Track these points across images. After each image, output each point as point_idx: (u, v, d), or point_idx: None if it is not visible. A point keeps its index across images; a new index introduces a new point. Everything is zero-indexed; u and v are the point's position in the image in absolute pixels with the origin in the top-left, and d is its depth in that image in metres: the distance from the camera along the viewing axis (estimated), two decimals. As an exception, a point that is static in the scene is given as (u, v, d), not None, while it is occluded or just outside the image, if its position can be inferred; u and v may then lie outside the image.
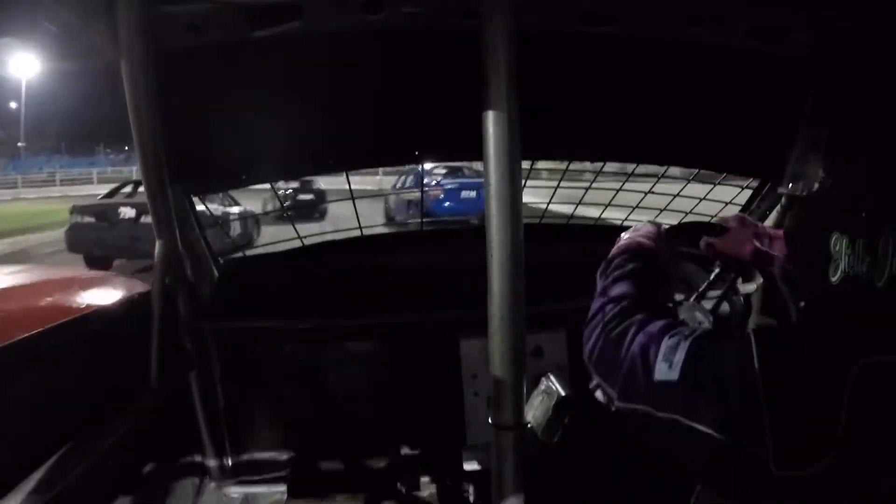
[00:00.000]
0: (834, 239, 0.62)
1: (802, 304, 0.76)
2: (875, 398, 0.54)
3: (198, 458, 1.69)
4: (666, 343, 0.69)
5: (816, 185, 0.66)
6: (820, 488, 0.54)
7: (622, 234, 1.02)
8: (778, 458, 0.56)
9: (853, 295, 0.61)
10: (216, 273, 1.73)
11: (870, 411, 0.54)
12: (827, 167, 0.65)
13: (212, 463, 1.71)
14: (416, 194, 10.47)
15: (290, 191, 12.95)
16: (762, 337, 0.62)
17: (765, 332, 0.63)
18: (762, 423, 0.57)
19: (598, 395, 0.80)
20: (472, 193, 10.29)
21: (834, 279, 0.62)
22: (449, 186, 10.42)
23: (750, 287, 1.37)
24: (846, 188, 0.63)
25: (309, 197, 12.88)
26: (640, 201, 2.08)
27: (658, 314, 0.77)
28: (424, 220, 2.10)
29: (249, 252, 1.91)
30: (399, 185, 11.72)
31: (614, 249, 0.96)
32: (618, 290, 0.84)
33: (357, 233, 1.97)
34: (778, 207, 1.75)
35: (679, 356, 0.67)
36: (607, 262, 0.93)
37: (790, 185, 0.70)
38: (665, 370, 0.67)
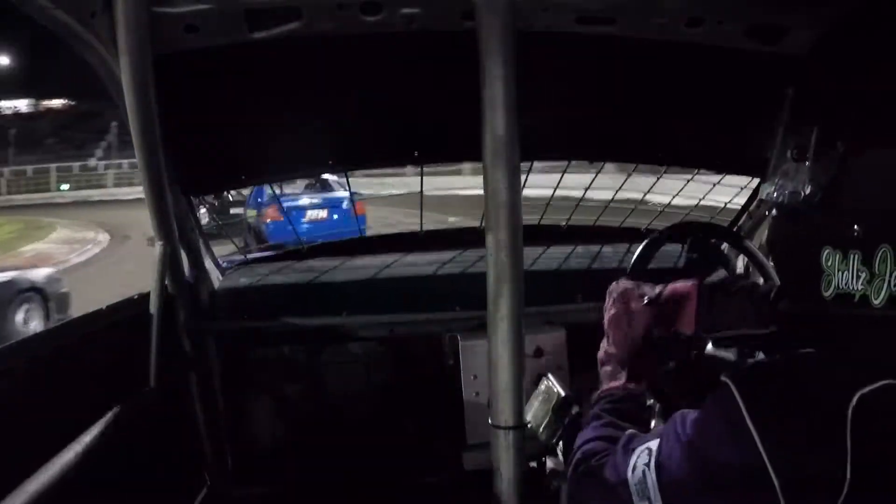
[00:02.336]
0: (826, 253, 0.58)
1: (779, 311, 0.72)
2: (877, 427, 0.52)
3: (198, 459, 1.69)
4: (632, 481, 0.66)
5: (804, 195, 0.61)
6: None
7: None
8: None
9: (847, 313, 0.58)
10: (216, 273, 1.73)
11: (874, 441, 0.52)
12: (816, 177, 0.61)
13: (212, 463, 1.71)
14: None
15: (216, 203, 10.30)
16: (744, 385, 0.59)
17: (745, 378, 0.60)
18: (770, 479, 0.55)
19: None
20: (322, 213, 7.83)
21: (827, 294, 0.59)
22: (290, 205, 7.78)
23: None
24: (837, 197, 0.59)
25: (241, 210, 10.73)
26: (639, 201, 2.08)
27: (617, 445, 0.73)
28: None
29: (250, 253, 1.91)
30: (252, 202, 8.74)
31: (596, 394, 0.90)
32: (588, 434, 0.82)
33: (356, 233, 1.98)
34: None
35: (651, 487, 0.64)
36: (597, 397, 0.89)
37: (775, 193, 0.66)
38: None
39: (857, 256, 0.56)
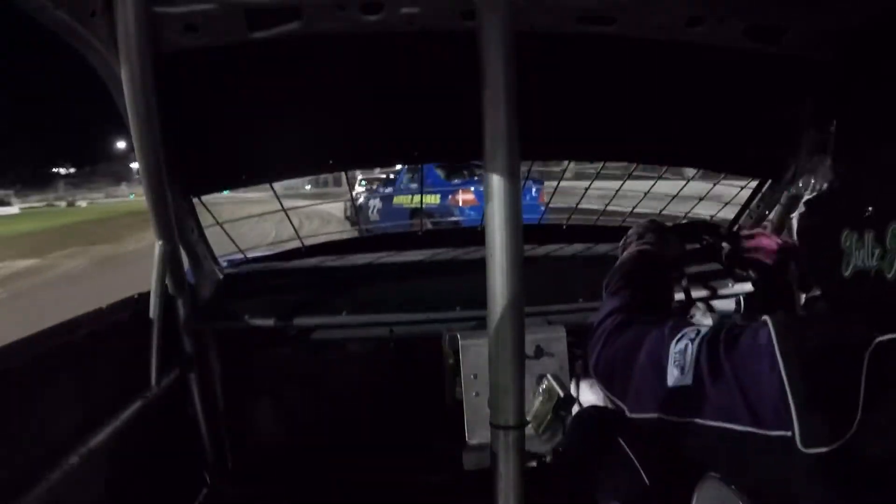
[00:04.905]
0: (845, 235, 0.64)
1: (808, 295, 0.77)
2: (889, 373, 0.55)
3: (198, 459, 1.69)
4: (674, 348, 0.70)
5: (825, 184, 0.68)
6: (845, 461, 0.56)
7: (627, 235, 1.04)
8: (804, 436, 0.57)
9: (865, 288, 0.62)
10: (216, 273, 1.73)
11: (886, 385, 0.55)
12: (834, 166, 0.67)
13: (212, 463, 1.71)
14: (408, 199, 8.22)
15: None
16: (779, 323, 0.63)
17: (781, 318, 0.65)
18: (787, 406, 0.58)
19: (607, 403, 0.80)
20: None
21: (846, 274, 0.64)
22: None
23: (746, 286, 1.38)
24: (853, 183, 0.65)
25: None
26: (639, 201, 2.08)
27: (661, 319, 0.78)
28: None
29: (249, 253, 1.92)
30: (403, 184, 9.07)
31: (619, 260, 0.98)
32: (619, 300, 0.87)
33: (356, 233, 1.98)
34: (777, 207, 1.75)
35: (689, 359, 0.68)
36: (611, 273, 0.96)
37: (800, 185, 0.74)
38: (678, 375, 0.68)
39: (871, 235, 0.61)
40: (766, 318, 0.65)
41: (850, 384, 0.56)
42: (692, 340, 0.69)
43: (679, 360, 0.69)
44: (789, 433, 0.58)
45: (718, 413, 0.64)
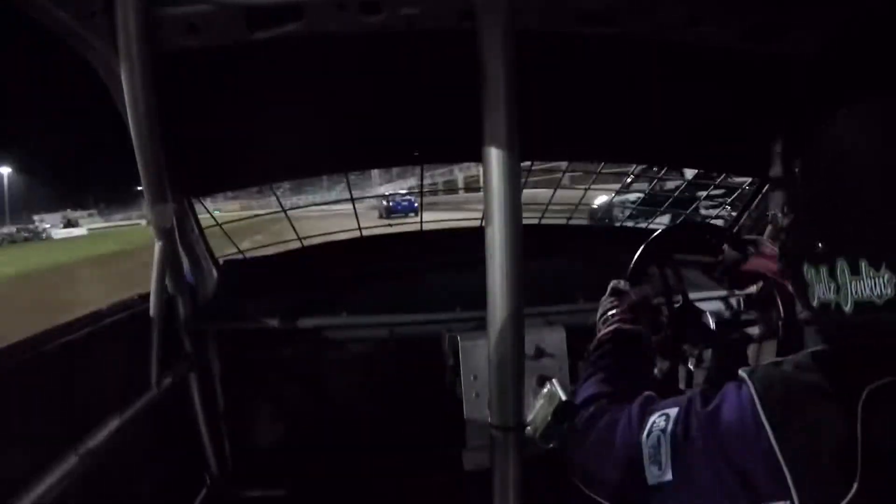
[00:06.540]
0: (805, 267, 0.63)
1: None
2: (886, 422, 0.53)
3: (198, 459, 1.69)
4: (646, 443, 0.67)
5: (790, 218, 0.66)
6: None
7: (601, 306, 1.06)
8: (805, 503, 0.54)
9: (830, 320, 0.61)
10: (216, 274, 1.73)
11: (884, 436, 0.53)
12: (792, 200, 0.66)
13: (212, 463, 1.71)
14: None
15: None
16: (759, 381, 0.60)
17: (760, 374, 0.62)
18: (782, 473, 0.55)
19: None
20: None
21: (814, 304, 0.63)
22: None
23: (749, 289, 1.38)
24: (808, 218, 0.63)
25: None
26: (639, 201, 2.08)
27: (629, 403, 0.74)
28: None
29: (249, 253, 1.91)
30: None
31: (595, 340, 0.99)
32: (591, 388, 0.86)
33: (357, 233, 1.98)
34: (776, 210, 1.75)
35: (665, 454, 0.64)
36: (587, 356, 0.96)
37: (774, 213, 0.71)
38: (657, 473, 0.64)
39: (825, 270, 0.60)
40: (743, 374, 0.62)
41: (846, 441, 0.53)
42: (663, 431, 0.65)
43: (653, 455, 0.65)
44: (788, 502, 0.55)
45: (712, 501, 0.60)
